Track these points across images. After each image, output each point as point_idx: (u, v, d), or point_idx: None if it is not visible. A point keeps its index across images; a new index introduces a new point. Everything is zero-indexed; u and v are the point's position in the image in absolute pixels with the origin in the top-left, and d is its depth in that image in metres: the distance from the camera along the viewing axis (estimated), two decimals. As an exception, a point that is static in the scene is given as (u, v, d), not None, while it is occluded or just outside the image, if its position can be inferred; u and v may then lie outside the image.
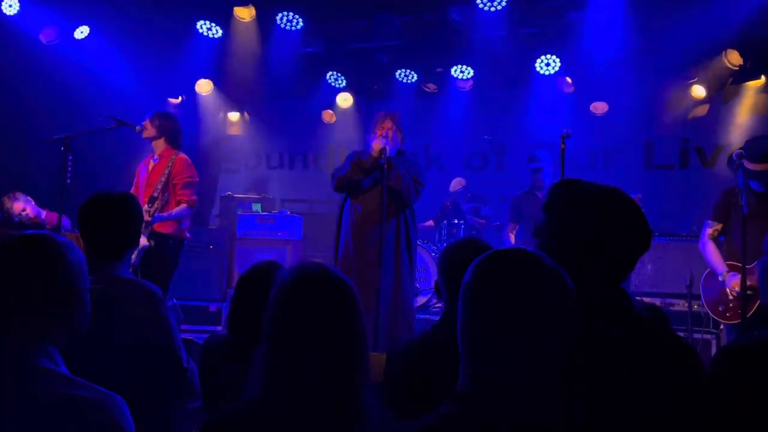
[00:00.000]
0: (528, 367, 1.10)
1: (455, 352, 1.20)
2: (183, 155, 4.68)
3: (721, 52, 5.88)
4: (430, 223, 6.91)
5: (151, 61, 6.56)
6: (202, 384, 2.05)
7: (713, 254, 3.97)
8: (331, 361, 1.37)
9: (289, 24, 6.32)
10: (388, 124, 4.32)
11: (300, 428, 1.34)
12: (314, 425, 1.34)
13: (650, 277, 5.19)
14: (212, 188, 7.66)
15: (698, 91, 6.26)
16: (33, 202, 5.72)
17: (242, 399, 1.41)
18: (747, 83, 6.07)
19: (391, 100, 7.05)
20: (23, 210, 5.61)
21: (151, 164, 4.70)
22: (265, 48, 6.56)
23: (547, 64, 6.46)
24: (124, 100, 6.01)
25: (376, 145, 4.23)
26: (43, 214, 5.71)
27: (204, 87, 7.37)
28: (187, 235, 4.68)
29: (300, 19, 6.30)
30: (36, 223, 5.51)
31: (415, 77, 7.03)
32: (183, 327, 5.88)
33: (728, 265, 3.87)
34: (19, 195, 5.66)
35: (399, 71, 6.98)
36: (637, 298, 4.78)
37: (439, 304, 5.94)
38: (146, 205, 4.20)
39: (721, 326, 4.37)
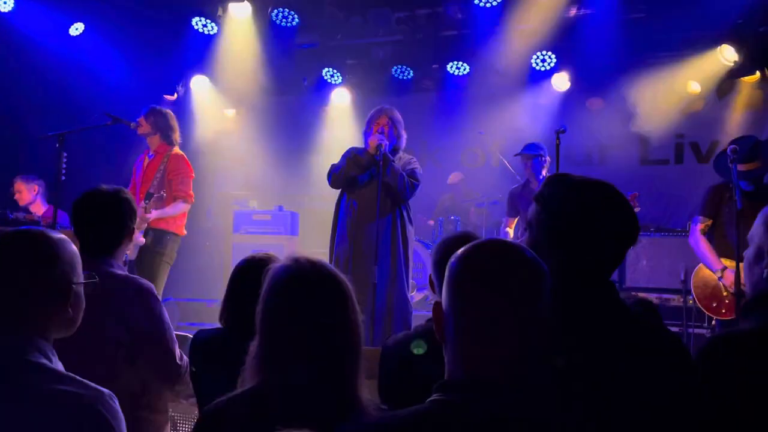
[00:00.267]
0: (508, 354, 1.12)
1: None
2: (178, 151, 4.68)
3: (716, 48, 5.89)
4: (430, 222, 6.92)
5: (147, 58, 6.55)
6: (194, 379, 2.05)
7: (707, 251, 3.97)
8: (325, 354, 1.38)
9: (284, 20, 6.32)
10: (384, 120, 4.32)
11: (294, 421, 1.35)
12: (309, 418, 1.35)
13: (645, 272, 5.21)
14: (208, 185, 7.65)
15: (693, 86, 6.27)
16: (42, 195, 5.66)
17: (236, 392, 1.42)
18: (741, 79, 6.08)
19: (387, 96, 7.04)
20: (30, 202, 5.55)
21: (147, 161, 4.70)
22: (260, 44, 6.55)
23: (543, 60, 6.46)
24: (120, 96, 6.00)
25: (372, 141, 4.23)
26: (43, 209, 5.67)
27: (199, 83, 7.36)
28: (184, 230, 4.68)
29: (295, 15, 6.29)
30: (32, 221, 5.50)
31: (411, 73, 7.02)
32: (179, 324, 5.89)
33: (721, 262, 3.87)
34: (34, 185, 5.58)
35: (395, 67, 6.98)
36: (632, 293, 4.78)
37: (434, 300, 5.95)
38: (142, 202, 4.20)
39: (713, 321, 4.38)
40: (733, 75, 6.02)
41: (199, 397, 2.01)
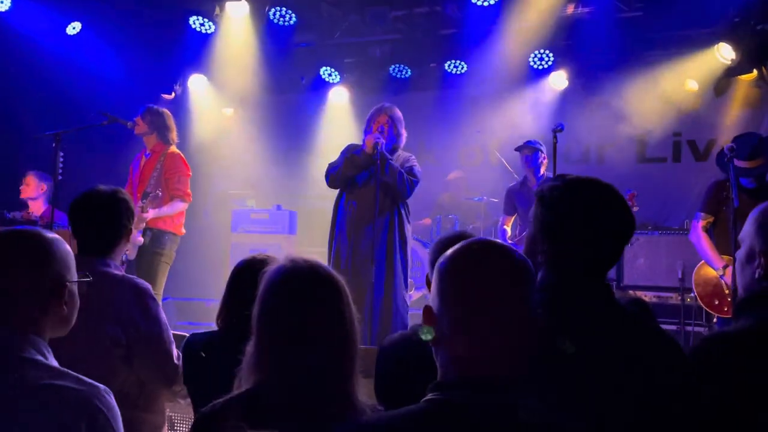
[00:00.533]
0: (499, 353, 1.13)
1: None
2: (175, 150, 4.67)
3: (713, 46, 5.89)
4: (428, 221, 6.92)
5: (144, 57, 6.54)
6: (188, 382, 2.04)
7: (709, 248, 3.94)
8: (321, 355, 1.38)
9: (281, 19, 6.31)
10: (384, 118, 4.31)
11: (291, 422, 1.35)
12: (305, 419, 1.35)
13: (643, 271, 5.22)
14: (206, 184, 7.64)
15: (690, 84, 6.28)
16: (46, 196, 5.63)
17: (232, 393, 1.42)
18: (739, 77, 6.08)
19: (385, 94, 7.03)
20: (32, 198, 5.52)
21: (144, 160, 4.69)
22: (258, 43, 6.54)
23: (541, 59, 6.46)
24: (116, 96, 5.99)
25: (369, 140, 4.23)
26: (43, 209, 5.65)
27: (197, 82, 7.35)
28: (182, 230, 4.67)
29: (293, 14, 6.28)
30: (29, 220, 5.49)
31: (409, 72, 7.02)
32: (177, 323, 5.89)
33: (723, 260, 3.86)
34: (43, 183, 5.53)
35: (393, 66, 6.98)
36: (630, 291, 4.78)
37: (433, 299, 5.95)
38: (139, 201, 4.19)
39: (714, 319, 4.38)
40: (730, 73, 6.02)
41: (194, 400, 2.01)
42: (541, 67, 6.50)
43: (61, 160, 4.17)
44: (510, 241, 5.41)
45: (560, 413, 1.15)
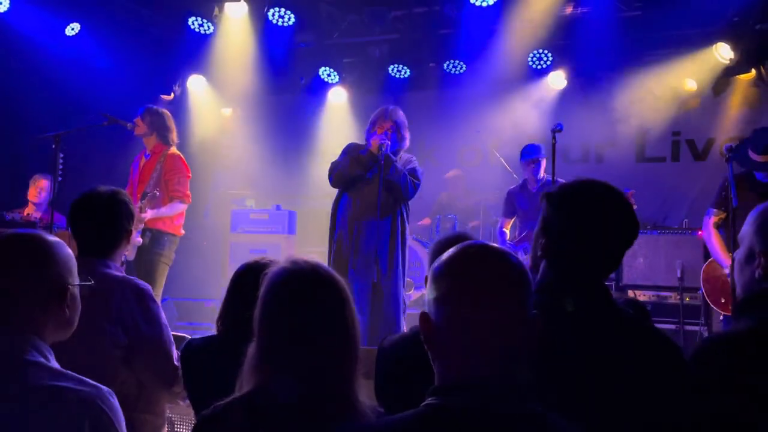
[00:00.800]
0: (497, 356, 1.13)
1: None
2: (175, 151, 4.67)
3: (712, 46, 5.90)
4: (427, 221, 6.92)
5: (143, 58, 6.54)
6: (188, 386, 2.04)
7: (718, 245, 3.90)
8: (322, 357, 1.38)
9: (280, 19, 6.30)
10: (388, 123, 4.31)
11: (292, 424, 1.35)
12: (306, 421, 1.35)
13: (642, 271, 5.22)
14: (206, 184, 7.65)
15: (689, 84, 6.28)
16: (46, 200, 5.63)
17: (233, 396, 1.42)
18: (738, 76, 6.08)
19: (384, 94, 7.04)
20: (35, 192, 5.50)
21: (143, 161, 4.69)
22: (257, 44, 6.54)
23: (540, 59, 6.47)
24: (116, 97, 5.99)
25: (375, 140, 4.23)
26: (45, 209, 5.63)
27: (196, 83, 7.35)
28: (181, 231, 4.67)
29: (291, 14, 6.28)
30: (28, 222, 5.48)
31: (408, 72, 7.02)
32: (177, 323, 5.89)
33: (732, 257, 3.83)
34: (44, 181, 5.51)
35: (392, 66, 6.98)
36: (629, 291, 4.78)
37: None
38: (139, 202, 4.19)
39: (721, 317, 4.36)
40: (729, 73, 6.03)
41: (194, 403, 2.01)
42: (539, 67, 6.50)
43: (61, 161, 4.17)
44: (509, 243, 5.42)
45: (560, 415, 1.15)
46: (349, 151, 4.38)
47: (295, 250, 6.74)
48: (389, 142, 4.24)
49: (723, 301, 3.92)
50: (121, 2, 6.10)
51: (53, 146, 4.19)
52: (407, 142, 4.43)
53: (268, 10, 6.23)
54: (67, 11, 6.02)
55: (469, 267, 1.17)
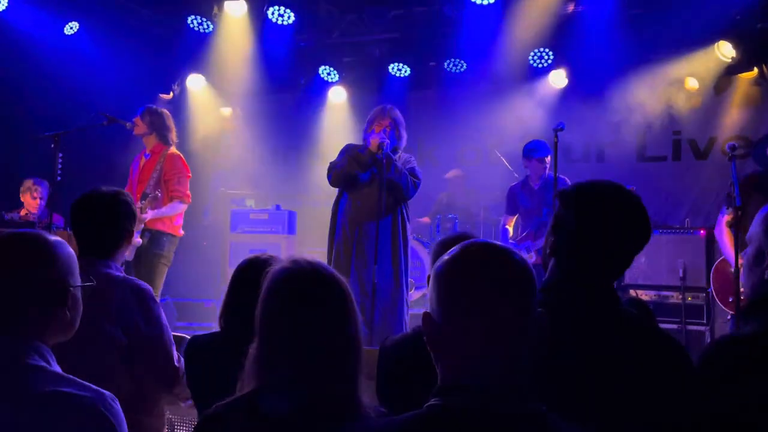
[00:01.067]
0: (500, 356, 1.12)
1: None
2: (174, 151, 4.66)
3: (714, 44, 5.88)
4: (426, 219, 6.91)
5: (142, 57, 6.52)
6: (191, 382, 2.03)
7: (729, 244, 3.89)
8: (324, 357, 1.37)
9: (280, 18, 6.29)
10: (386, 121, 4.30)
11: (293, 424, 1.34)
12: (308, 421, 1.34)
13: (644, 270, 5.20)
14: (205, 184, 7.63)
15: (690, 83, 6.27)
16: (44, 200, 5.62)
17: (235, 395, 1.41)
18: (739, 75, 6.07)
19: (384, 93, 7.02)
20: (34, 203, 5.50)
21: (143, 160, 4.67)
22: (256, 43, 6.53)
23: (540, 57, 6.45)
24: (115, 96, 5.97)
25: (375, 140, 4.22)
26: (42, 210, 5.62)
27: (195, 82, 7.33)
28: (181, 231, 4.66)
29: (291, 13, 6.27)
30: (27, 222, 5.47)
31: (408, 71, 7.01)
32: (177, 324, 5.88)
33: (742, 257, 3.80)
34: (39, 188, 5.53)
35: (392, 65, 6.97)
36: (631, 290, 4.76)
37: (433, 299, 5.93)
38: (138, 202, 4.18)
39: (728, 317, 4.34)
40: (730, 71, 6.01)
41: (198, 402, 1.99)
42: (540, 66, 6.49)
43: (61, 161, 4.16)
44: (512, 242, 5.41)
45: (564, 417, 1.13)
46: (348, 150, 4.37)
47: (295, 250, 6.73)
48: (388, 141, 4.22)
49: (731, 300, 3.90)
50: (119, 1, 6.08)
51: (52, 146, 4.17)
52: (405, 141, 4.42)
53: (267, 9, 6.22)
54: (66, 10, 6.01)
55: (472, 265, 1.15)
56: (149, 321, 2.18)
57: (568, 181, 4.70)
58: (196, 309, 6.43)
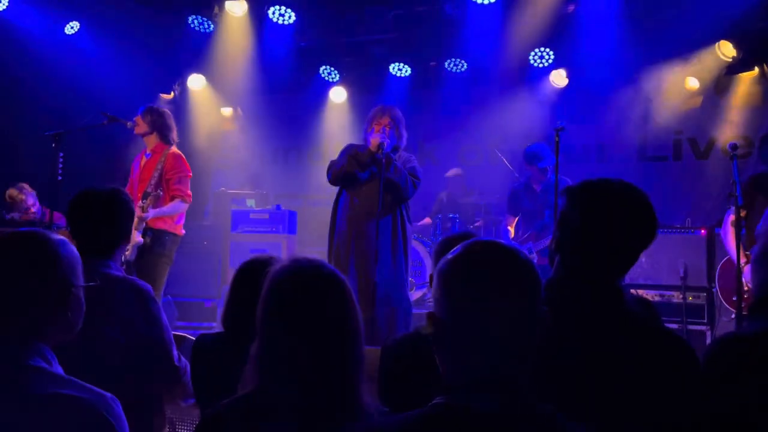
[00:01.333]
0: (505, 354, 1.12)
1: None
2: (175, 150, 4.65)
3: (715, 44, 5.88)
4: (427, 220, 6.91)
5: (143, 57, 6.52)
6: (195, 382, 2.03)
7: (733, 243, 3.89)
8: (325, 356, 1.37)
9: (281, 18, 6.30)
10: (386, 120, 4.30)
11: (296, 423, 1.34)
12: (310, 420, 1.34)
13: (645, 270, 5.19)
14: (206, 184, 7.64)
15: (691, 82, 6.27)
16: (37, 200, 5.65)
17: (237, 395, 1.40)
18: (740, 75, 6.07)
19: (384, 93, 7.03)
20: (30, 207, 5.52)
21: (144, 160, 4.66)
22: (257, 42, 6.53)
23: (541, 57, 6.45)
24: (116, 95, 5.97)
25: (375, 139, 4.22)
26: (41, 213, 5.63)
27: (196, 82, 7.34)
28: (182, 230, 4.65)
29: (292, 13, 6.27)
30: (28, 221, 5.47)
31: (409, 71, 7.01)
32: (177, 323, 5.88)
33: (747, 256, 3.81)
34: (27, 189, 5.56)
35: (393, 65, 6.96)
36: (632, 290, 4.77)
37: (434, 298, 5.93)
38: (140, 201, 4.17)
39: (733, 316, 4.33)
40: (731, 71, 6.01)
41: (201, 401, 1.99)
42: (541, 65, 6.50)
43: (61, 160, 4.15)
44: (512, 242, 5.42)
45: (569, 415, 1.13)
46: (348, 150, 4.37)
47: (295, 250, 6.73)
48: (388, 140, 4.22)
49: (735, 299, 3.91)
50: (120, 1, 6.08)
51: (53, 145, 4.16)
52: (405, 140, 4.42)
53: (268, 9, 6.22)
54: (67, 10, 6.02)
55: (477, 264, 1.15)
56: (149, 321, 2.17)
57: (571, 183, 4.70)
58: (196, 308, 6.43)
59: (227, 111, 8.08)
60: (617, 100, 6.51)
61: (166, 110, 4.78)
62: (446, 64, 6.82)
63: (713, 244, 4.87)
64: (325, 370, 1.36)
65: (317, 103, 7.62)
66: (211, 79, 7.36)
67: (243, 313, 1.77)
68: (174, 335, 2.29)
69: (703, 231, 5.10)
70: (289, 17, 6.29)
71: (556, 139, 4.24)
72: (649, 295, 5.16)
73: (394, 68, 6.98)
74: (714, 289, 4.24)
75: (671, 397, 1.36)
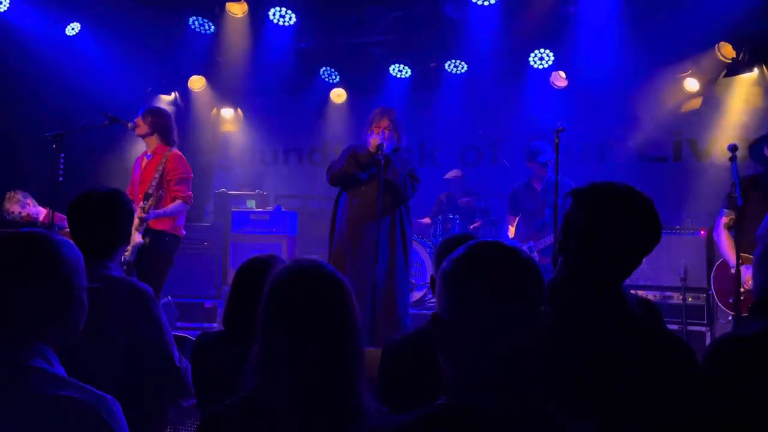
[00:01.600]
0: (508, 355, 1.13)
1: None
2: (176, 151, 4.66)
3: (714, 45, 5.88)
4: (427, 220, 6.91)
5: (144, 58, 6.53)
6: (196, 382, 2.04)
7: (727, 245, 3.89)
8: (325, 356, 1.37)
9: (281, 19, 6.30)
10: (385, 122, 4.31)
11: (294, 425, 1.34)
12: (309, 422, 1.34)
13: (644, 270, 5.20)
14: (206, 185, 7.64)
15: (691, 84, 6.27)
16: (31, 203, 5.63)
17: (238, 395, 1.41)
18: (740, 76, 6.07)
19: (384, 95, 7.03)
20: (20, 212, 5.52)
21: (145, 161, 4.67)
22: (257, 44, 6.53)
23: (541, 59, 6.46)
24: (117, 96, 5.98)
25: (374, 140, 4.23)
26: (42, 214, 5.63)
27: (196, 83, 7.34)
28: (182, 231, 4.66)
29: (293, 15, 6.28)
30: (29, 222, 5.47)
31: (409, 72, 7.01)
32: (178, 324, 5.88)
33: (742, 257, 3.81)
34: (19, 195, 5.56)
35: (393, 66, 6.97)
36: (632, 291, 4.78)
37: (434, 299, 5.93)
38: (141, 202, 4.17)
39: (729, 317, 4.34)
40: (731, 72, 6.01)
41: (201, 401, 2.00)
42: (541, 67, 6.49)
43: (62, 161, 4.15)
44: (513, 240, 5.43)
45: (573, 415, 1.14)
46: (348, 151, 4.39)
47: (295, 251, 6.74)
48: (387, 142, 4.24)
49: (731, 301, 3.91)
50: (121, 2, 6.08)
51: (54, 146, 4.17)
52: (405, 141, 4.43)
53: (268, 10, 6.23)
54: (68, 11, 6.02)
55: (480, 265, 1.16)
56: (149, 321, 2.17)
57: (572, 183, 4.71)
58: (196, 309, 6.43)
59: (228, 112, 8.09)
60: (617, 102, 6.51)
61: (167, 111, 4.79)
62: (446, 65, 6.82)
63: (713, 246, 4.87)
64: (326, 371, 1.37)
65: (317, 104, 7.63)
66: (211, 80, 7.36)
67: (244, 313, 1.78)
68: (174, 336, 2.30)
69: (702, 232, 5.11)
70: (290, 18, 6.30)
71: (556, 140, 4.24)
72: (649, 295, 5.17)
73: (394, 69, 6.99)
74: (710, 291, 4.23)
75: (671, 398, 1.36)
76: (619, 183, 1.56)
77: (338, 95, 7.50)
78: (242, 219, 6.89)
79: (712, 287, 4.07)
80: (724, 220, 3.91)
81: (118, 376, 2.09)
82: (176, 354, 2.23)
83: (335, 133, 7.62)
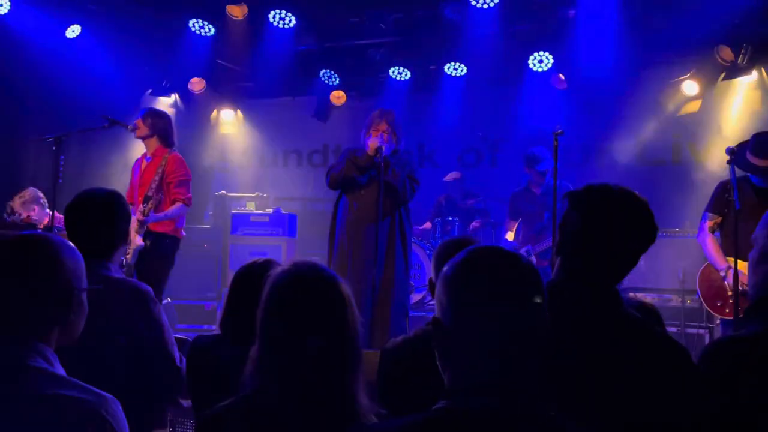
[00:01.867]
0: (509, 358, 1.13)
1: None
2: (176, 153, 4.66)
3: (713, 48, 5.90)
4: (427, 225, 6.92)
5: (144, 60, 6.54)
6: (193, 384, 2.04)
7: (713, 249, 3.90)
8: (324, 359, 1.38)
9: (281, 22, 6.31)
10: (383, 125, 4.32)
11: (294, 426, 1.35)
12: (308, 423, 1.35)
13: (643, 273, 5.21)
14: (206, 187, 7.65)
15: (690, 87, 6.29)
16: (37, 208, 5.60)
17: (235, 397, 1.41)
18: (739, 79, 6.08)
19: (384, 97, 7.04)
20: (20, 214, 5.50)
21: (144, 163, 4.68)
22: (258, 46, 6.54)
23: (540, 61, 6.47)
24: (116, 99, 5.99)
25: (372, 143, 4.24)
26: (45, 220, 5.61)
27: (196, 85, 7.35)
28: (183, 233, 4.67)
29: (293, 17, 6.29)
30: (28, 225, 5.47)
31: (409, 74, 7.03)
32: (178, 326, 5.88)
33: (728, 261, 3.81)
34: (27, 196, 5.53)
35: (392, 69, 6.98)
36: (631, 294, 4.76)
37: (433, 302, 5.94)
38: (141, 205, 4.18)
39: (717, 321, 4.35)
40: (730, 75, 6.02)
41: (196, 404, 2.00)
42: (540, 69, 6.50)
43: (62, 163, 4.16)
44: (512, 242, 5.45)
45: (572, 419, 1.14)
46: (347, 154, 4.40)
47: (295, 253, 6.74)
48: (386, 144, 4.25)
49: (719, 304, 3.91)
50: (121, 4, 6.09)
51: (54, 148, 4.18)
52: (403, 144, 4.44)
53: (269, 12, 6.24)
54: (68, 13, 6.02)
55: (481, 269, 1.17)
56: (149, 323, 2.18)
57: (571, 187, 4.72)
58: (196, 311, 6.44)
59: (227, 114, 8.10)
60: (616, 104, 6.52)
61: (167, 113, 4.79)
62: (446, 67, 6.83)
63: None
64: (325, 371, 1.37)
65: (317, 106, 7.63)
66: (211, 82, 7.37)
67: (240, 317, 1.78)
68: (174, 338, 2.30)
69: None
70: (290, 21, 6.31)
71: (555, 143, 4.25)
72: (648, 298, 5.18)
73: (393, 72, 7.00)
74: (696, 296, 4.23)
75: (669, 398, 1.37)
76: (614, 185, 1.56)
77: (338, 97, 7.51)
78: (242, 221, 6.90)
79: (698, 292, 4.06)
80: (709, 223, 3.93)
81: (119, 376, 2.10)
82: (177, 354, 2.24)
83: (335, 136, 7.64)
